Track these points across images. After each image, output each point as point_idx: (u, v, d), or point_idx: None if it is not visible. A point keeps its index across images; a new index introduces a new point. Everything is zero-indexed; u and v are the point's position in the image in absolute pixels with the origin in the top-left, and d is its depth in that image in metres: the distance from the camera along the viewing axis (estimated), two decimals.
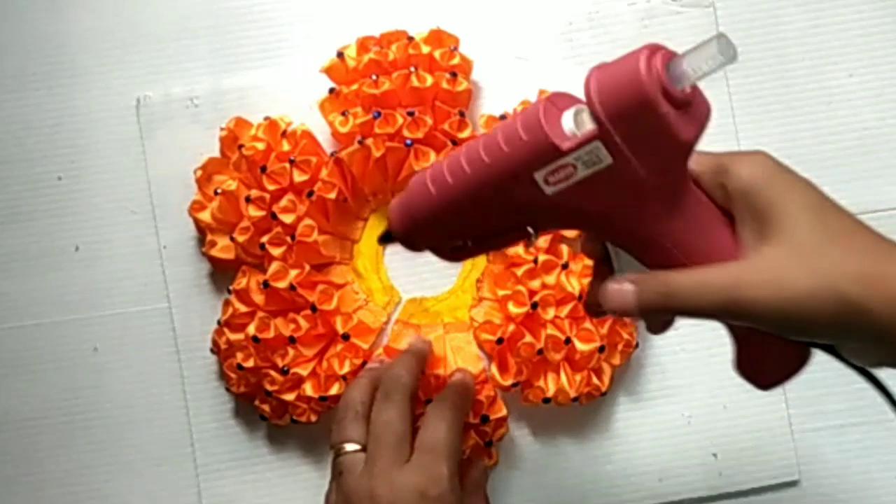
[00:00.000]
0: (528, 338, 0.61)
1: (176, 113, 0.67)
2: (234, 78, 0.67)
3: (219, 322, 0.64)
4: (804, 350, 0.45)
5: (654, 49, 0.40)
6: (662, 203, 0.43)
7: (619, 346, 0.62)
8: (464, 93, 0.63)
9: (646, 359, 0.65)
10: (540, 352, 0.61)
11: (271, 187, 0.62)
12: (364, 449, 0.55)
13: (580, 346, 0.61)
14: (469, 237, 0.49)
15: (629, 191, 0.43)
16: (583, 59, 0.66)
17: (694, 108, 0.41)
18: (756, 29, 0.66)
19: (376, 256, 0.66)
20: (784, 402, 0.64)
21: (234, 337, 0.63)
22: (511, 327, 0.62)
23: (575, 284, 0.61)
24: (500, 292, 0.62)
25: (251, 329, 0.62)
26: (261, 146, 0.63)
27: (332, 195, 0.62)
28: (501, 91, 0.66)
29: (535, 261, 0.61)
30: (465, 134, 0.62)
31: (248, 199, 0.62)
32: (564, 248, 0.62)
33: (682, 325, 0.63)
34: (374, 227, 0.66)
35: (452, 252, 0.50)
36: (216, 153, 0.65)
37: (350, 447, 0.56)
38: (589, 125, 0.41)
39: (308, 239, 0.62)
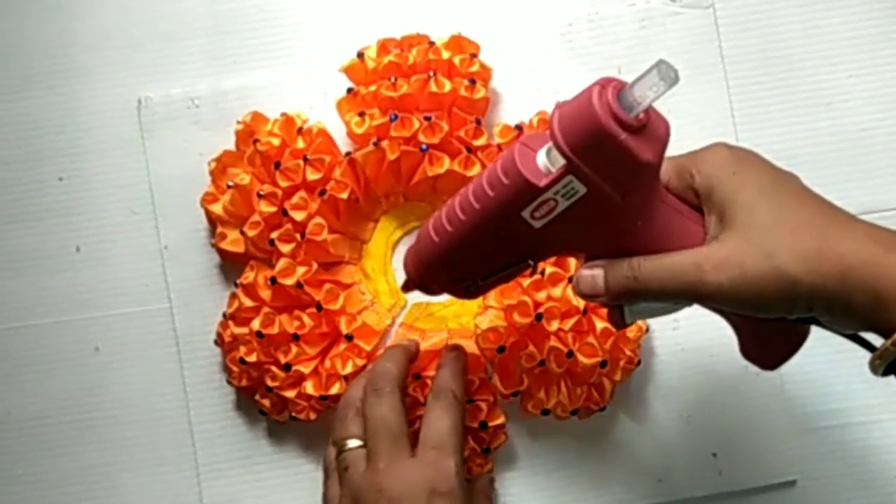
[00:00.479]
0: (531, 348, 0.61)
1: (177, 114, 0.67)
2: (235, 79, 0.67)
3: (224, 315, 0.64)
4: (802, 328, 0.48)
5: (605, 83, 0.43)
6: (640, 218, 0.47)
7: (622, 363, 0.62)
8: (481, 100, 0.63)
9: (646, 359, 0.65)
10: (542, 363, 0.61)
11: (284, 183, 0.62)
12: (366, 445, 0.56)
13: (582, 359, 0.60)
14: (476, 276, 0.53)
15: (606, 215, 0.46)
16: (583, 61, 0.66)
17: (651, 130, 0.44)
18: (756, 29, 0.66)
19: (385, 258, 0.66)
20: (784, 402, 0.64)
21: (238, 331, 0.63)
22: (514, 337, 0.62)
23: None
24: (506, 301, 0.62)
25: (255, 324, 0.62)
26: (276, 142, 0.63)
27: (345, 195, 0.62)
28: (518, 99, 0.66)
29: (542, 272, 0.61)
30: (480, 141, 0.63)
31: (259, 195, 0.62)
32: (572, 261, 0.62)
33: (683, 325, 0.64)
34: (385, 229, 0.66)
35: (465, 291, 0.54)
36: (216, 153, 0.65)
37: (353, 443, 0.56)
38: (559, 161, 0.45)
39: (317, 237, 0.62)
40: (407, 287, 0.56)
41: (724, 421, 0.64)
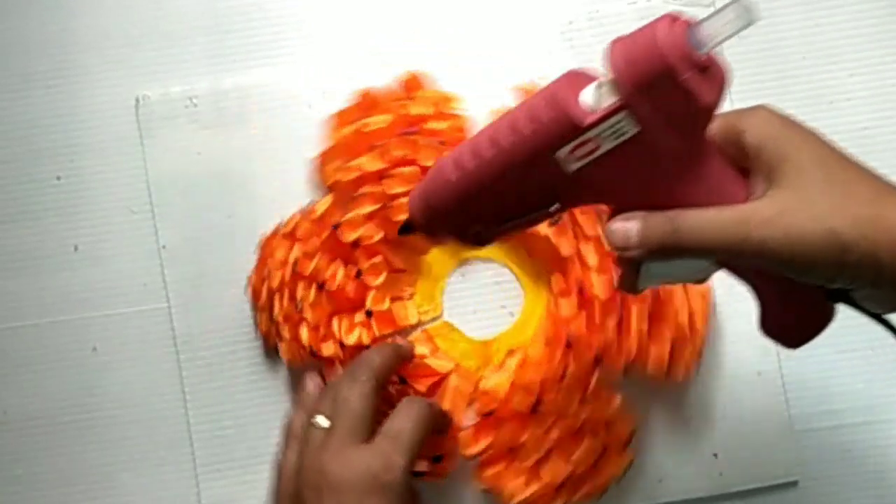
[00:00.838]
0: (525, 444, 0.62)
1: (175, 113, 0.67)
2: (234, 77, 0.67)
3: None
4: (827, 307, 0.46)
5: (674, 17, 0.41)
6: (685, 169, 0.44)
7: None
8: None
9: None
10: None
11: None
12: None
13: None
14: (492, 221, 0.49)
15: (653, 160, 0.44)
16: (584, 59, 0.66)
17: (713, 73, 0.42)
18: (756, 27, 0.65)
19: (446, 270, 0.66)
20: (784, 402, 0.64)
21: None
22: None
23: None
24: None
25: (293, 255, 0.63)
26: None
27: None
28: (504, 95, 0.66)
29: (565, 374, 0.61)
30: None
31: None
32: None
33: None
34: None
35: (475, 237, 0.50)
36: (214, 152, 0.66)
37: (321, 421, 0.56)
38: (610, 98, 0.42)
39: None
40: (405, 230, 0.53)
41: (724, 421, 0.64)
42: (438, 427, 0.59)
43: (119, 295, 0.66)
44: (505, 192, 0.47)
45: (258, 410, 0.66)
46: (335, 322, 0.62)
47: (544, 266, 0.65)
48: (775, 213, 0.42)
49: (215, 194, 0.66)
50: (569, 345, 0.60)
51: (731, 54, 0.64)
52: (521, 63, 0.66)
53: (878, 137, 0.66)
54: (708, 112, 0.43)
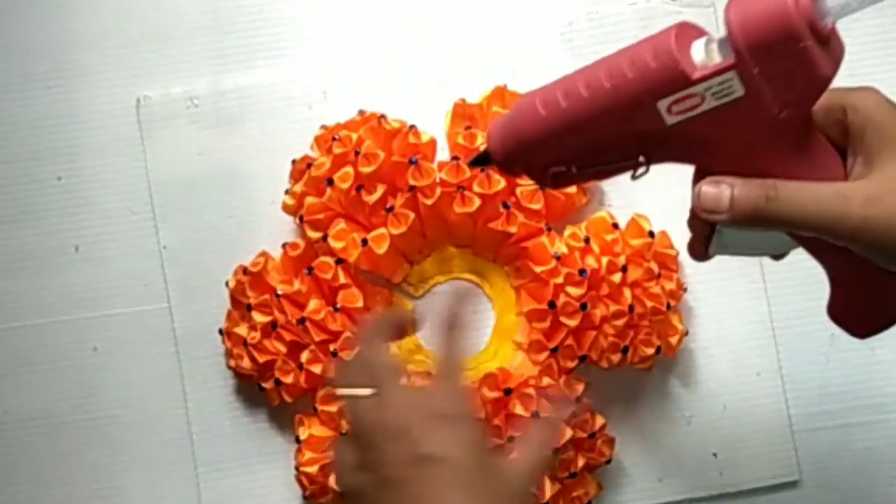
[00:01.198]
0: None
1: (176, 113, 0.67)
2: (234, 78, 0.67)
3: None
4: None
5: None
6: (786, 141, 0.43)
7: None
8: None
9: None
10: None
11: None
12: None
13: None
14: (574, 163, 0.47)
15: (754, 126, 0.42)
16: (583, 60, 0.65)
17: (833, 45, 0.41)
18: None
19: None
20: (784, 402, 0.64)
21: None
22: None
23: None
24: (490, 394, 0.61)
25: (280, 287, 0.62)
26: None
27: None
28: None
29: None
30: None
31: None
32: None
33: (685, 324, 0.64)
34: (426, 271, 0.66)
35: (553, 178, 0.48)
36: (215, 153, 0.66)
37: (359, 391, 0.51)
38: (719, 56, 0.41)
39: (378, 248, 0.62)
40: (480, 161, 0.51)
41: (725, 421, 0.65)
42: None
43: (120, 295, 0.67)
44: (595, 135, 0.45)
45: (258, 410, 0.66)
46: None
47: (514, 276, 0.65)
48: (878, 193, 0.41)
49: (216, 194, 0.66)
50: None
51: None
52: (521, 63, 0.66)
53: None
54: (822, 85, 0.41)
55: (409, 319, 0.60)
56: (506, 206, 0.62)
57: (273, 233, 0.66)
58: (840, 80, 0.63)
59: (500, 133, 0.48)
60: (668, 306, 0.62)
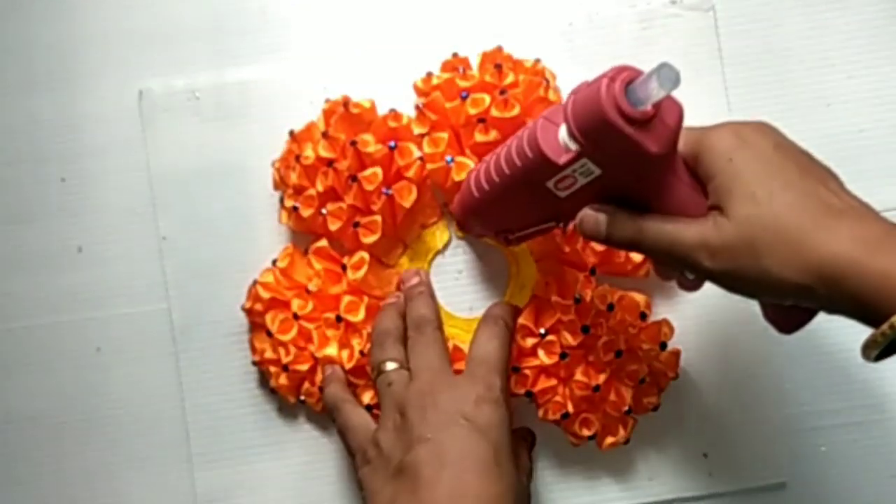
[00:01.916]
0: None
1: (178, 106, 0.67)
2: (236, 72, 0.67)
3: (274, 262, 0.65)
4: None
5: (615, 74, 0.45)
6: (652, 193, 0.49)
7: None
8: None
9: None
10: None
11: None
12: (405, 368, 0.57)
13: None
14: (512, 228, 0.58)
15: (623, 190, 0.49)
16: (583, 60, 0.66)
17: (660, 121, 0.45)
18: (756, 31, 0.66)
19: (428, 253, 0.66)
20: (774, 404, 0.65)
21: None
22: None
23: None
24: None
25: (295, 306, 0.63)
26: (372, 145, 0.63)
27: (408, 203, 0.62)
28: None
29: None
30: None
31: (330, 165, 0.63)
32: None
33: (676, 324, 0.64)
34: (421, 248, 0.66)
35: (506, 240, 0.59)
36: (216, 146, 0.66)
37: (393, 365, 0.57)
38: (573, 144, 0.47)
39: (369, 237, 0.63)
40: (459, 227, 0.63)
41: (714, 422, 0.65)
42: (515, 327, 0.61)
43: (123, 295, 0.67)
44: (514, 209, 0.55)
45: (254, 401, 0.66)
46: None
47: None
48: (721, 246, 0.46)
49: (216, 187, 0.67)
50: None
51: (731, 56, 0.66)
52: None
53: (876, 139, 0.66)
54: (654, 160, 0.46)
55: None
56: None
57: (273, 226, 0.66)
58: (823, 69, 0.66)
59: (456, 207, 0.61)
60: (629, 411, 0.62)
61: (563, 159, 0.48)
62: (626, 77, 0.45)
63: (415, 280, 0.63)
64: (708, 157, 0.48)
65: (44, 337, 0.67)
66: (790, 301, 0.46)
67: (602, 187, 0.49)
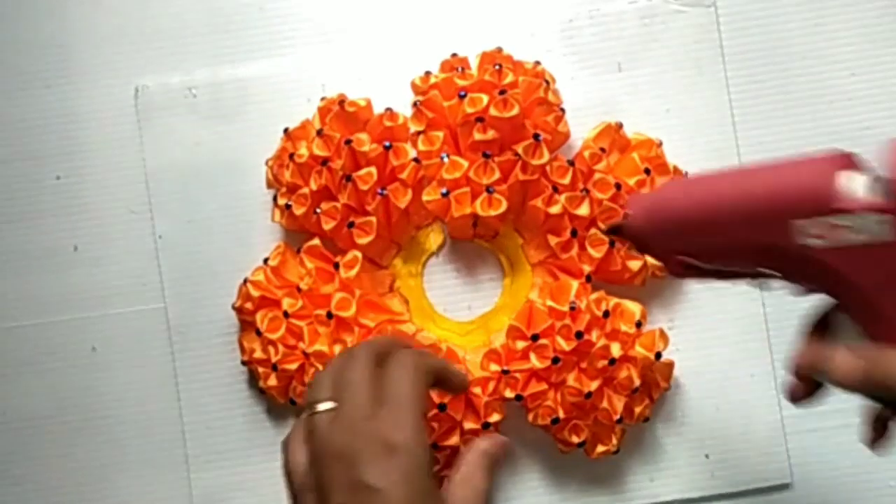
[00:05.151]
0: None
1: (174, 103, 0.67)
2: (233, 69, 0.67)
3: (265, 260, 0.64)
4: None
5: None
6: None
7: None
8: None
9: None
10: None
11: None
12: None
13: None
14: (700, 258, 0.47)
15: (891, 273, 0.41)
16: (584, 58, 0.66)
17: None
18: (756, 29, 0.66)
19: (419, 274, 0.66)
20: (777, 404, 0.64)
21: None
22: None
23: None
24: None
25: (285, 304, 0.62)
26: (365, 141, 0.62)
27: (403, 203, 0.62)
28: None
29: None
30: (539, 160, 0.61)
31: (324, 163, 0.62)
32: None
33: (677, 324, 0.64)
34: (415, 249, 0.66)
35: (676, 266, 0.48)
36: (212, 143, 0.66)
37: (322, 406, 0.51)
38: (876, 194, 0.40)
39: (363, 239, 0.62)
40: (614, 231, 0.52)
41: (716, 422, 0.65)
42: (450, 384, 0.56)
43: (118, 294, 0.67)
44: (727, 236, 0.44)
45: (251, 401, 0.66)
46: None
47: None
48: None
49: (212, 185, 0.66)
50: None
51: (732, 53, 0.65)
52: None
53: (879, 137, 0.66)
54: None
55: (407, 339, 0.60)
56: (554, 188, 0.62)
57: (270, 225, 0.65)
58: (825, 66, 0.66)
59: (638, 209, 0.47)
60: (620, 420, 0.61)
61: (847, 203, 0.40)
62: None
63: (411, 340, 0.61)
64: None
65: (39, 336, 0.67)
66: None
67: (865, 258, 0.41)
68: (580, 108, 0.65)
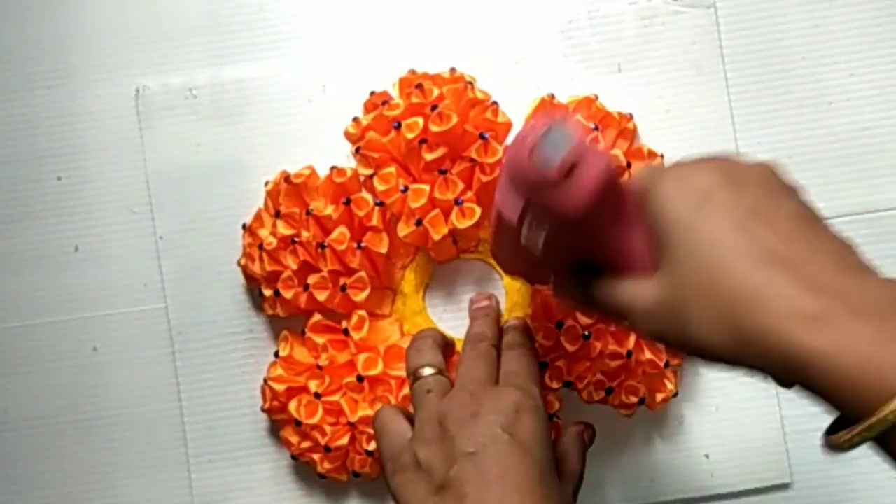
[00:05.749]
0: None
1: (175, 104, 0.66)
2: (234, 70, 0.67)
3: (276, 354, 0.64)
4: None
5: (526, 133, 0.42)
6: (604, 249, 0.46)
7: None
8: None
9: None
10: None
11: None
12: (444, 375, 0.56)
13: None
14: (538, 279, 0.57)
15: (582, 248, 0.46)
16: (583, 58, 0.66)
17: (577, 178, 0.41)
18: (756, 29, 0.66)
19: (419, 301, 0.66)
20: (777, 403, 0.65)
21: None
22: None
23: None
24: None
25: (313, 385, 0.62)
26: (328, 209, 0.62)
27: (383, 248, 0.62)
28: (517, 97, 0.65)
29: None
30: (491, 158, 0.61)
31: (294, 241, 0.62)
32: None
33: None
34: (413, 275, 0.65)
35: (536, 280, 0.59)
36: (213, 144, 0.66)
37: (430, 371, 0.56)
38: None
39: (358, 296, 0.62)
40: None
41: (716, 422, 0.65)
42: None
43: (119, 295, 0.67)
44: (514, 255, 0.52)
45: (252, 401, 0.65)
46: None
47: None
48: (654, 311, 0.42)
49: (213, 185, 0.66)
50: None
51: (732, 54, 0.65)
52: (520, 62, 0.66)
53: (879, 137, 0.66)
54: (576, 214, 0.42)
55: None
56: None
57: None
58: (825, 67, 0.66)
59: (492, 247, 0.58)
60: (668, 364, 0.61)
61: (515, 216, 0.45)
62: (533, 140, 0.41)
63: (484, 303, 0.62)
64: (655, 200, 0.43)
65: (40, 336, 0.67)
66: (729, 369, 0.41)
67: (561, 246, 0.46)
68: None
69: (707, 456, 0.65)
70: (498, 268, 0.64)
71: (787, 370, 0.37)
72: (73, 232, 0.67)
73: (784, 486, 0.65)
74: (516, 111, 0.64)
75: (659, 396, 0.62)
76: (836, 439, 0.36)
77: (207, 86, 0.66)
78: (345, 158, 0.64)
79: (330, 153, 0.64)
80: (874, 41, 0.66)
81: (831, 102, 0.66)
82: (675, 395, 0.62)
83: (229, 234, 0.66)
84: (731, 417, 0.65)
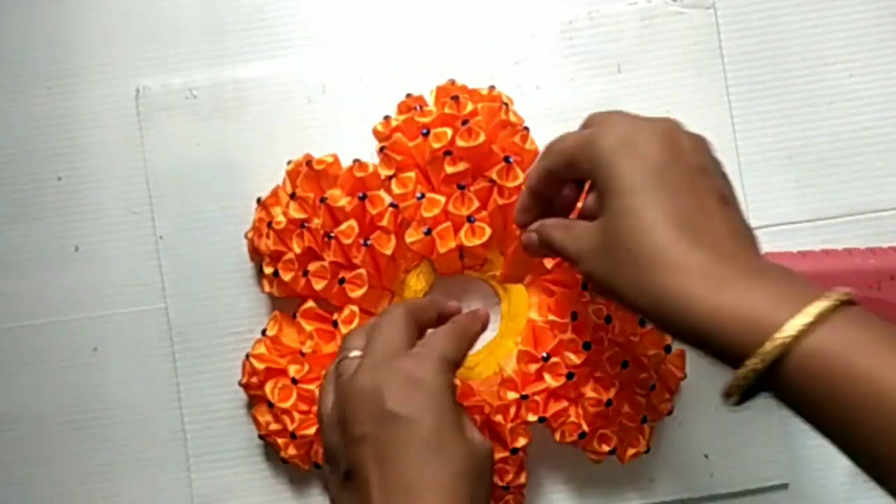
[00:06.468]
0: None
1: (175, 104, 0.66)
2: (234, 71, 0.67)
3: (263, 332, 0.64)
4: None
5: None
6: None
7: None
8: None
9: None
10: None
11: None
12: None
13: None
14: None
15: None
16: (583, 59, 0.66)
17: None
18: (755, 30, 0.66)
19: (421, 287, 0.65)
20: (775, 403, 0.64)
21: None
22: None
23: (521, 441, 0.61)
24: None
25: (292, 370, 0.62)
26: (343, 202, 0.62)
27: (388, 250, 0.61)
28: (516, 97, 0.65)
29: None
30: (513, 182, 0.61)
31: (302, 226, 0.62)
32: None
33: None
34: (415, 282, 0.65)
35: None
36: (213, 144, 0.66)
37: (353, 353, 0.53)
38: None
39: (355, 292, 0.61)
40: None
41: (716, 422, 0.65)
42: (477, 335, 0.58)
43: (119, 295, 0.67)
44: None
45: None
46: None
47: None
48: (579, 254, 0.48)
49: (213, 185, 0.66)
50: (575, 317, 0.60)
51: (732, 54, 0.65)
52: (520, 62, 0.66)
53: (879, 137, 0.66)
54: None
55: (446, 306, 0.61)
56: None
57: None
58: (825, 67, 0.66)
59: None
60: (645, 419, 0.61)
61: None
62: None
63: (452, 305, 0.61)
64: (595, 157, 0.47)
65: (40, 337, 0.67)
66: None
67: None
68: (580, 110, 0.64)
69: (707, 456, 0.65)
70: (500, 290, 0.65)
71: (694, 330, 0.42)
72: (73, 232, 0.67)
73: (783, 487, 0.65)
74: (516, 112, 0.64)
75: (630, 451, 0.62)
76: (725, 388, 0.42)
77: (207, 86, 0.66)
78: (347, 158, 0.64)
79: (329, 153, 0.64)
80: (874, 41, 0.66)
81: (831, 102, 0.66)
82: (647, 451, 0.62)
83: (229, 234, 0.66)
84: (732, 418, 0.64)
